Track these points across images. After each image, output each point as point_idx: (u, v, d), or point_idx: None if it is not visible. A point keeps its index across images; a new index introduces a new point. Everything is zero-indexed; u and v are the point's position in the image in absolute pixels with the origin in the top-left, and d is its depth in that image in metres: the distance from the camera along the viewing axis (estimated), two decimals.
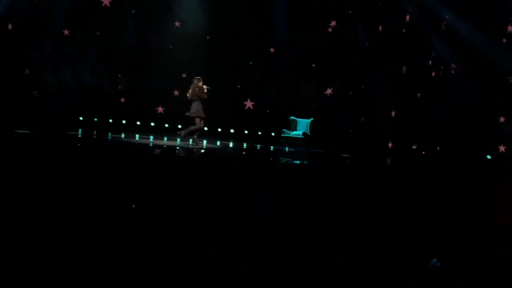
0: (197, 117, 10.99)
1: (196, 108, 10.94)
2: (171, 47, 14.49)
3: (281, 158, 10.63)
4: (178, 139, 11.78)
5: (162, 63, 14.19)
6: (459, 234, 4.34)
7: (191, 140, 11.04)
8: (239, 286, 3.39)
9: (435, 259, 3.77)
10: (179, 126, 13.65)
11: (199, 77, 11.23)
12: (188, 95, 11.11)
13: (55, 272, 3.26)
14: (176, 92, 14.25)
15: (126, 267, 3.48)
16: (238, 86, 14.66)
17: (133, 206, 4.67)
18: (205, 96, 11.03)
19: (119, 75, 14.22)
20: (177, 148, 10.58)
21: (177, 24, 14.52)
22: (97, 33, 13.89)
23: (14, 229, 3.86)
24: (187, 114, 11.13)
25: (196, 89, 10.94)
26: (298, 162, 9.98)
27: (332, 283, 3.53)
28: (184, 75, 14.13)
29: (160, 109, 14.50)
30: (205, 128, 11.67)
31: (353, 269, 3.69)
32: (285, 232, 4.29)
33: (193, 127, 11.10)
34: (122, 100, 14.19)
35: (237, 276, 3.51)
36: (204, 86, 11.02)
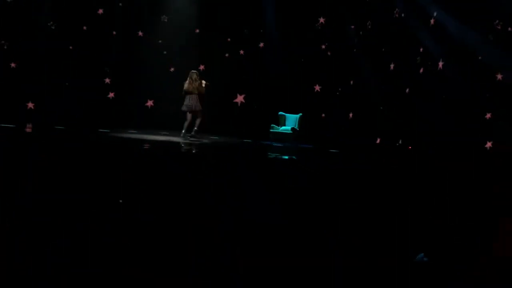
0: (200, 110, 11.20)
1: (195, 102, 11.17)
2: (160, 41, 14.41)
3: (270, 154, 10.66)
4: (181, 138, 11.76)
5: (151, 57, 14.09)
6: (456, 233, 4.40)
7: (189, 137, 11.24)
8: (237, 285, 3.41)
9: (421, 254, 3.82)
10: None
11: (196, 71, 11.42)
12: (188, 87, 11.19)
13: (53, 271, 3.26)
14: (165, 86, 14.17)
15: (124, 266, 3.48)
16: (227, 81, 14.61)
17: (120, 201, 4.68)
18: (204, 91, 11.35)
19: (106, 69, 14.09)
20: (171, 144, 10.59)
21: (165, 18, 14.45)
22: (84, 28, 13.77)
23: (12, 228, 3.84)
24: (190, 109, 11.25)
25: (197, 83, 11.13)
26: (286, 157, 10.02)
27: (329, 282, 3.56)
28: (172, 69, 14.13)
29: (150, 104, 14.40)
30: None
31: (351, 268, 3.73)
32: (283, 231, 4.32)
33: (197, 122, 11.35)
34: (111, 95, 14.07)
35: (235, 275, 3.53)
36: (203, 81, 11.25)
